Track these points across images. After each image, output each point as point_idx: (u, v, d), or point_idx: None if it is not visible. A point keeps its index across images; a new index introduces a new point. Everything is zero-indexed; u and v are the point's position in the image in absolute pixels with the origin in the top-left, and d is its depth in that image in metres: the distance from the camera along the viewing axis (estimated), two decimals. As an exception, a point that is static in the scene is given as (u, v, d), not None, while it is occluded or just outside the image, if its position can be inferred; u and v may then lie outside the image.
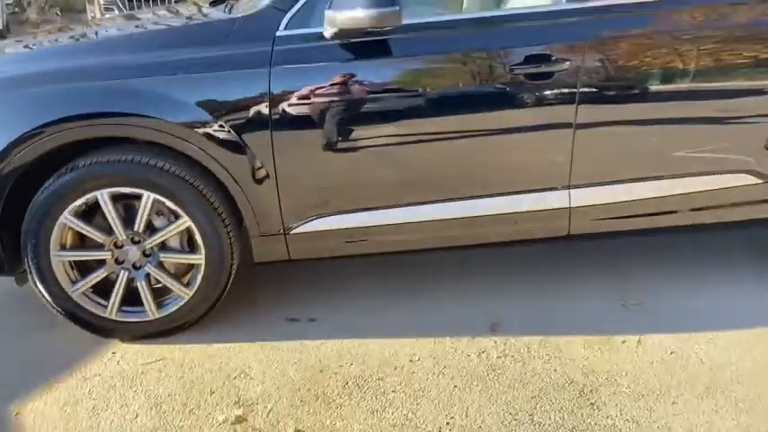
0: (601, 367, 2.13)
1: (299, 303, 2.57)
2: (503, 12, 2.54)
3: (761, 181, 2.36)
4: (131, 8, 12.66)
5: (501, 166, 2.32)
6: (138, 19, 3.30)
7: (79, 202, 2.15)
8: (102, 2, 12.71)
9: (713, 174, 2.35)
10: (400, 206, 2.31)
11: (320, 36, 2.11)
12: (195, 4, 3.19)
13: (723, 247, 2.90)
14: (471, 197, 2.32)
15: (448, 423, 1.89)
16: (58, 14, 17.49)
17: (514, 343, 2.27)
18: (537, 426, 1.87)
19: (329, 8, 2.04)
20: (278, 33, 2.14)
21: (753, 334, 2.27)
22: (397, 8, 1.98)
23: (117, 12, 12.18)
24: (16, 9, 18.97)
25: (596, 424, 1.87)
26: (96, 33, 2.92)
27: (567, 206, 2.33)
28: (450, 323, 2.39)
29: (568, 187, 2.31)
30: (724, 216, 2.42)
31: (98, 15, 13.06)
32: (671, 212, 2.39)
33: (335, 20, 2.03)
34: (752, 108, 2.30)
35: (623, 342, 2.26)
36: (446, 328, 2.36)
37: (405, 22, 2.05)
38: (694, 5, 2.26)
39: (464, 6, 3.13)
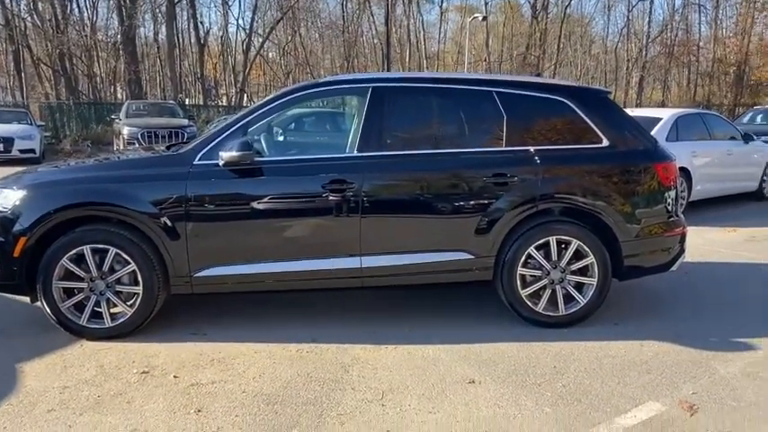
0: (363, 357, 3.62)
1: (201, 324, 4.11)
2: (320, 155, 4.34)
3: (472, 257, 3.97)
4: (150, 143, 15.12)
5: (322, 241, 3.94)
6: (135, 152, 5.11)
7: (73, 252, 3.78)
8: (125, 137, 15.23)
9: (445, 251, 3.96)
10: (261, 262, 3.91)
11: (217, 164, 3.83)
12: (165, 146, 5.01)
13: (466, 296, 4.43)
14: (305, 259, 3.92)
15: (262, 373, 3.37)
16: (89, 146, 20.18)
17: (322, 346, 3.76)
18: (316, 381, 3.35)
19: (221, 151, 3.80)
20: (194, 162, 3.88)
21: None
22: (251, 152, 3.75)
23: (137, 145, 14.59)
24: (53, 140, 21.79)
25: (346, 378, 3.34)
26: (109, 158, 4.65)
27: (359, 266, 3.92)
28: (288, 336, 3.91)
29: (360, 255, 3.91)
30: (452, 278, 4.02)
31: (122, 148, 15.48)
32: (422, 273, 3.98)
33: (223, 156, 3.78)
34: (465, 211, 3.96)
35: (386, 347, 3.75)
36: (285, 339, 3.87)
37: (256, 159, 3.81)
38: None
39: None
